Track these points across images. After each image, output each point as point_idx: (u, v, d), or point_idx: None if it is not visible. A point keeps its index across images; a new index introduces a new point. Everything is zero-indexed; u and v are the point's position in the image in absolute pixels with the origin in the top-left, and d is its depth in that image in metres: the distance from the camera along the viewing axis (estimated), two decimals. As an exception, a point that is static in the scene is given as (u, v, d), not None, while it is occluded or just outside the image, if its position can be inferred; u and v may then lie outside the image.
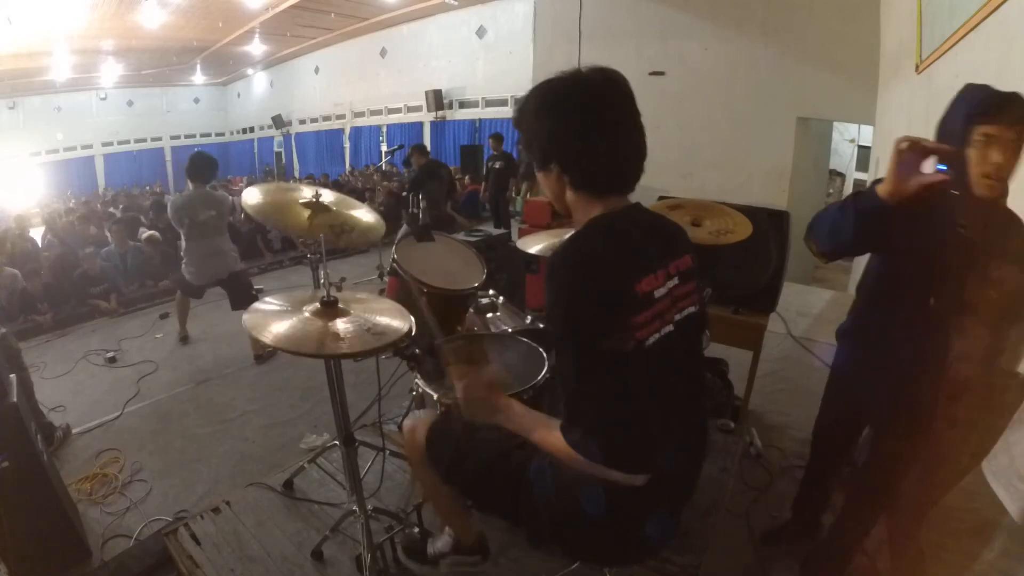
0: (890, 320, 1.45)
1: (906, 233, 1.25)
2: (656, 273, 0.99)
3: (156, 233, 5.95)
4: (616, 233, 0.99)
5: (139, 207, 9.25)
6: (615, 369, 0.93)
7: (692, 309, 1.06)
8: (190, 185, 3.76)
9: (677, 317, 1.02)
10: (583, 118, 0.98)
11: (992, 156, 1.18)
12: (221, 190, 4.78)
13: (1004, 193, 1.25)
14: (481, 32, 11.44)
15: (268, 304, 1.43)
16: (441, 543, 1.58)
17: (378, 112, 14.10)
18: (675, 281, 1.02)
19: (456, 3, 11.11)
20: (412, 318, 1.41)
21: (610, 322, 0.93)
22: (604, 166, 1.00)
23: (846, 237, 1.28)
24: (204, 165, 3.72)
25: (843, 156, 7.81)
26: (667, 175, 5.97)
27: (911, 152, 1.10)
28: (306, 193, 1.86)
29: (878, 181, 1.21)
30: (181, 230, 3.71)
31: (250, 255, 6.50)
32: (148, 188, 16.50)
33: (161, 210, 6.57)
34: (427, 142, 12.07)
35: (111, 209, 8.94)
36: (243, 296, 3.84)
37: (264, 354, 3.77)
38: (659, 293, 0.99)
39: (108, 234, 5.72)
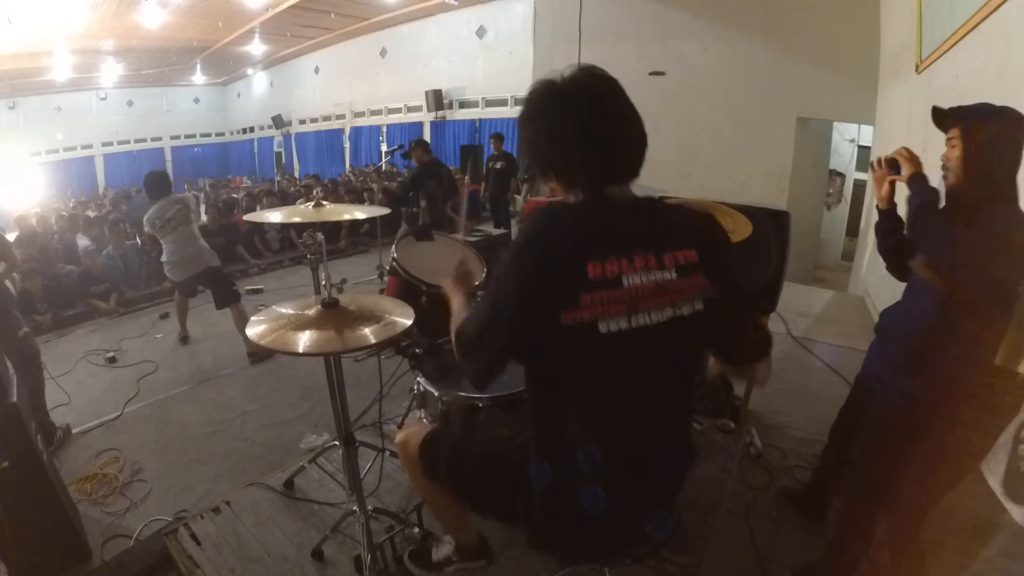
0: (904, 308, 1.57)
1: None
2: (627, 258, 0.96)
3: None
4: (572, 213, 1.00)
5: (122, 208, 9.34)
6: (548, 338, 0.96)
7: (695, 307, 1.00)
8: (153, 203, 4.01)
9: (665, 314, 0.98)
10: (554, 122, 1.01)
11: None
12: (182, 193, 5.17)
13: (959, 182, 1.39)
14: (481, 32, 11.43)
15: (270, 311, 1.43)
16: (445, 549, 1.58)
17: (378, 112, 14.08)
18: (670, 274, 0.98)
19: (456, 3, 11.09)
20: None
21: (557, 290, 0.94)
22: (579, 166, 1.02)
23: (879, 242, 1.69)
24: (158, 182, 3.99)
25: (843, 156, 7.80)
26: (667, 175, 5.97)
27: (879, 167, 1.62)
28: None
29: None
30: (159, 235, 3.89)
31: (249, 255, 6.52)
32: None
33: (126, 199, 8.42)
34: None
35: (89, 213, 8.74)
36: (225, 293, 3.98)
37: (259, 352, 3.77)
38: (631, 281, 0.95)
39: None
